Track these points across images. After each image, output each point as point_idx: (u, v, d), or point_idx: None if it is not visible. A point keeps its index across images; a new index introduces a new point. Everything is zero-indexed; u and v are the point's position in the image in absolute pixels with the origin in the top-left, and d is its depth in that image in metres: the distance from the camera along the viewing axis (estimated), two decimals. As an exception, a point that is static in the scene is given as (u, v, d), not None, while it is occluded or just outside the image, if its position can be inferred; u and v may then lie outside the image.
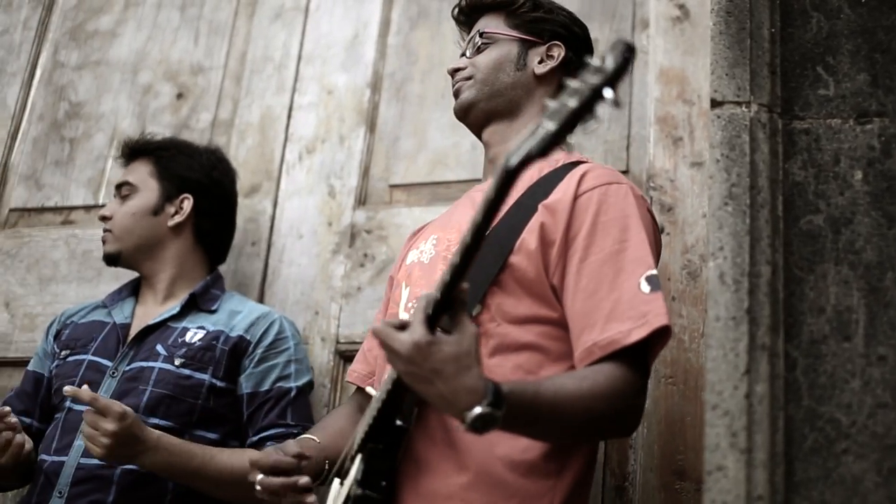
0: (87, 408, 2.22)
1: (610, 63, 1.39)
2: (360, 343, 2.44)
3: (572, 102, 1.41)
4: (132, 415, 2.22)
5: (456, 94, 2.20)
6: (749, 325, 1.75)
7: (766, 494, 1.67)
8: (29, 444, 2.40)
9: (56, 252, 3.07)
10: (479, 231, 1.56)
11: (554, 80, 2.17)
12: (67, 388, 2.22)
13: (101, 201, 3.09)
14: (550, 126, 1.42)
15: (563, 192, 1.94)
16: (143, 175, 2.68)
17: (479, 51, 2.18)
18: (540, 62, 2.17)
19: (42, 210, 3.18)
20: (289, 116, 3.00)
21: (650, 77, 2.65)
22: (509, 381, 1.67)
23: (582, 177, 1.97)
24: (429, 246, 2.12)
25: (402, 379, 1.67)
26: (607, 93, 1.39)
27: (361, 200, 2.83)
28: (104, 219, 2.67)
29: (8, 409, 2.33)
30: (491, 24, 2.21)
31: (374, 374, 2.20)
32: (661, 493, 2.27)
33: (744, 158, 1.87)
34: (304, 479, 1.85)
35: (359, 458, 1.84)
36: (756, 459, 1.69)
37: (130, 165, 2.73)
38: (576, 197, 1.93)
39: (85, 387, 2.23)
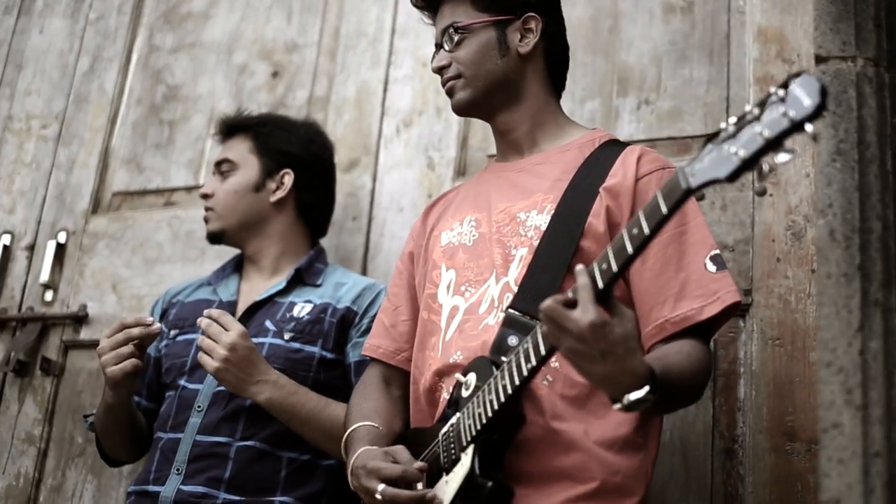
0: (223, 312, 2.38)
1: (809, 101, 1.41)
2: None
3: (766, 132, 1.44)
4: (250, 341, 2.36)
5: (449, 93, 2.25)
6: (861, 281, 1.80)
7: (883, 451, 1.71)
8: (138, 363, 2.44)
9: (159, 233, 3.21)
10: (643, 243, 1.64)
11: (540, 54, 2.24)
12: (203, 317, 2.37)
13: (201, 182, 3.22)
14: (742, 153, 1.46)
15: (622, 175, 2.05)
16: (242, 151, 2.76)
17: (457, 45, 2.21)
18: (521, 39, 2.21)
19: (144, 193, 3.33)
20: (385, 90, 3.09)
21: (748, 37, 2.68)
22: (650, 363, 1.75)
23: (639, 160, 2.08)
24: (467, 227, 2.20)
25: (565, 356, 1.73)
26: (808, 127, 1.41)
27: (461, 171, 2.91)
28: (205, 196, 2.76)
29: (150, 318, 2.43)
30: (459, 11, 2.23)
31: (401, 352, 2.29)
32: (771, 455, 2.32)
33: (851, 114, 1.91)
34: (431, 493, 1.92)
35: (472, 448, 1.90)
36: (872, 416, 1.73)
37: (229, 142, 2.81)
38: (636, 180, 2.04)
39: (211, 311, 2.38)
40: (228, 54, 3.38)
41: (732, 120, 1.49)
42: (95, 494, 3.02)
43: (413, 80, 3.06)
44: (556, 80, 2.30)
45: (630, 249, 1.64)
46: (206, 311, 2.39)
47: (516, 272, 2.05)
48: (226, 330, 2.36)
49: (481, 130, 2.92)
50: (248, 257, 2.77)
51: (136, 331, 2.42)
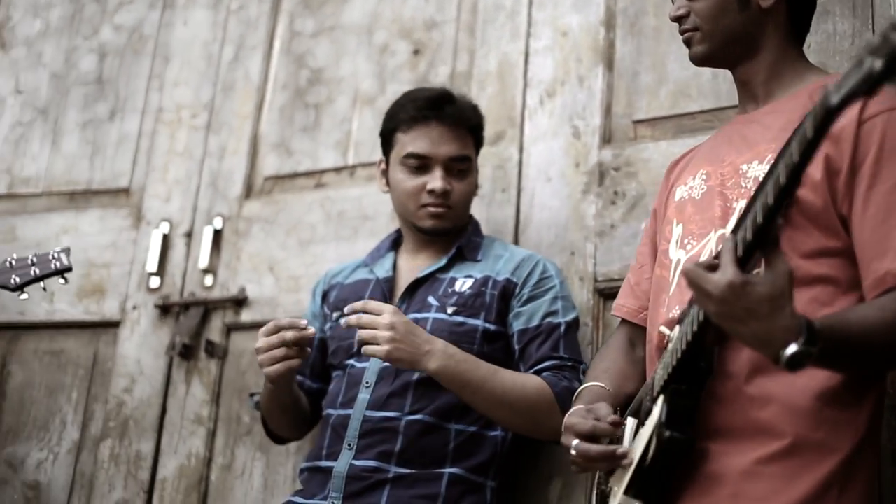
0: (367, 301, 2.53)
1: None
2: (619, 280, 2.64)
3: None
4: (405, 316, 2.49)
5: (687, 44, 2.26)
6: None
7: None
8: (293, 363, 2.59)
9: (312, 215, 3.42)
10: (795, 172, 1.63)
11: (783, 8, 2.21)
12: (343, 321, 2.53)
13: (349, 162, 3.43)
14: (877, 64, 1.42)
15: (845, 119, 1.94)
16: (472, 149, 2.85)
17: None
18: None
19: (294, 175, 3.54)
20: (526, 62, 3.23)
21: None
22: (819, 317, 1.76)
23: (865, 101, 1.98)
24: (698, 181, 2.23)
25: (713, 319, 1.77)
26: None
27: (606, 139, 3.02)
28: (444, 194, 2.78)
29: (306, 322, 2.60)
30: None
31: (644, 310, 2.35)
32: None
33: None
34: (622, 449, 1.99)
35: (661, 399, 1.96)
36: None
37: (455, 134, 2.81)
38: (860, 123, 1.97)
39: (354, 304, 2.52)
40: (369, 35, 3.57)
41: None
42: (265, 471, 3.24)
43: (553, 51, 3.19)
44: (798, 26, 2.28)
45: (784, 180, 1.64)
46: (346, 309, 2.53)
47: (734, 224, 2.02)
48: (376, 314, 2.48)
49: (625, 97, 3.04)
50: (422, 240, 2.87)
51: (289, 334, 2.56)
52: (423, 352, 2.48)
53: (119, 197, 3.80)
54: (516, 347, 2.68)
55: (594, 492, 2.23)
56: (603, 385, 2.27)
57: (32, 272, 3.10)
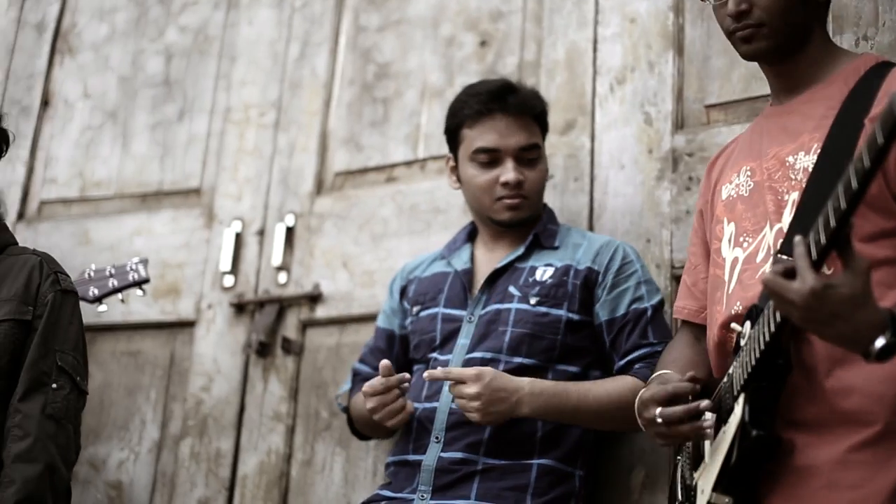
0: (448, 369, 2.63)
1: None
2: (698, 267, 2.71)
3: None
4: (489, 372, 2.58)
5: (747, 40, 2.26)
6: None
7: None
8: (410, 407, 2.75)
9: (384, 209, 3.51)
10: (867, 177, 1.66)
11: None
12: (426, 375, 2.63)
13: (419, 155, 3.51)
14: None
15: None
16: (539, 137, 2.90)
17: None
18: None
19: (365, 170, 3.63)
20: (594, 50, 3.28)
21: (972, -39, 2.75)
22: None
23: None
24: (743, 178, 2.29)
25: (796, 323, 1.83)
26: None
27: (679, 124, 3.07)
28: (518, 185, 2.84)
29: (407, 375, 2.70)
30: None
31: (704, 309, 2.41)
32: None
33: None
34: (704, 403, 2.08)
35: (742, 398, 2.02)
36: None
37: (521, 124, 2.86)
38: None
39: (433, 371, 2.63)
40: (434, 28, 3.64)
41: None
42: (345, 466, 3.33)
43: (622, 37, 3.24)
44: (827, 9, 2.34)
45: (855, 185, 1.67)
46: (425, 376, 2.65)
47: (789, 217, 2.12)
48: (462, 381, 2.59)
49: (696, 81, 3.09)
50: (496, 231, 2.93)
51: (394, 379, 2.68)
52: (513, 404, 2.59)
53: (190, 197, 3.91)
54: (606, 339, 2.74)
55: (679, 485, 2.30)
56: (672, 372, 2.34)
57: (110, 284, 3.21)
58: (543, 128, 2.95)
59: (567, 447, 2.71)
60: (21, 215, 4.11)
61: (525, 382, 2.62)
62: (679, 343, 2.49)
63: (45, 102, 4.31)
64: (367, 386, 2.72)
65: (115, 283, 3.24)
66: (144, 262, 3.26)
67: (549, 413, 2.63)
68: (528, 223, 2.91)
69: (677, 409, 2.12)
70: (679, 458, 2.33)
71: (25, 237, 3.90)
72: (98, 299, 3.21)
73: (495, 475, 2.66)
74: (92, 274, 3.24)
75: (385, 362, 2.69)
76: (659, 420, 2.14)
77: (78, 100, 4.26)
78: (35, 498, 2.41)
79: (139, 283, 3.25)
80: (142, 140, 4.08)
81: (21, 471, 2.40)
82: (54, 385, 2.53)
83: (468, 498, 2.64)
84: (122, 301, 3.29)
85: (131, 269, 3.25)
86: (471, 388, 2.57)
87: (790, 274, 1.79)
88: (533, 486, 2.65)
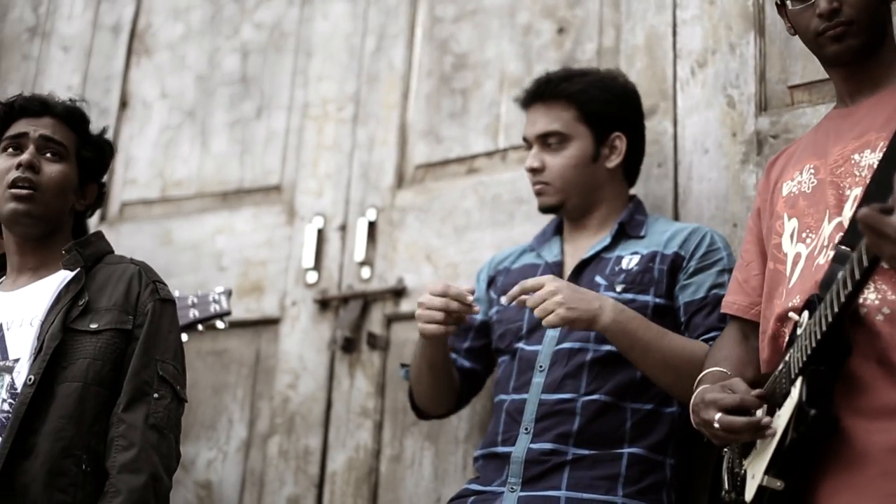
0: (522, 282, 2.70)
1: None
2: (786, 252, 2.76)
3: None
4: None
5: (838, 38, 2.32)
6: None
7: None
8: (451, 329, 2.84)
9: (466, 201, 3.58)
10: None
11: None
12: (504, 299, 2.71)
13: (500, 146, 3.58)
14: None
15: None
16: (569, 121, 2.97)
17: None
18: None
19: (446, 162, 3.71)
20: (674, 33, 3.32)
21: None
22: None
23: None
24: (806, 176, 2.36)
25: (887, 262, 1.85)
26: None
27: (762, 106, 3.10)
28: (535, 171, 2.98)
29: (472, 299, 2.81)
30: None
31: (755, 305, 2.48)
32: None
33: None
34: (766, 419, 2.12)
35: (800, 380, 2.07)
36: None
37: (547, 111, 2.99)
38: None
39: (511, 292, 2.70)
40: (511, 16, 3.71)
41: None
42: (434, 461, 3.42)
43: (702, 20, 3.28)
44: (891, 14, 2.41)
45: None
46: (503, 300, 2.75)
47: (850, 212, 2.18)
48: (538, 288, 2.66)
49: (779, 62, 3.12)
50: (575, 220, 3.02)
51: (454, 304, 2.79)
52: (595, 307, 2.65)
53: (271, 194, 4.02)
54: (682, 319, 2.80)
55: (725, 475, 2.34)
56: (724, 370, 2.41)
57: (191, 314, 3.32)
58: (591, 112, 2.98)
59: (657, 436, 2.76)
60: (103, 217, 4.23)
61: (609, 298, 2.70)
62: (728, 340, 2.54)
63: (124, 104, 4.44)
64: (428, 286, 2.84)
65: (196, 313, 3.34)
66: (228, 293, 3.36)
67: (627, 333, 2.66)
68: (568, 211, 3.01)
69: (738, 420, 2.16)
70: (726, 450, 2.38)
71: (108, 239, 4.01)
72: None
73: (585, 465, 2.72)
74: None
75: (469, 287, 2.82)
76: (717, 426, 2.19)
77: (156, 100, 4.39)
78: None
79: (220, 316, 3.36)
80: (221, 138, 4.19)
81: (126, 481, 2.48)
82: (156, 395, 2.61)
83: (558, 489, 2.70)
84: (201, 332, 3.40)
85: (213, 301, 3.36)
86: (548, 287, 2.64)
87: (888, 211, 1.80)
88: (624, 476, 2.71)
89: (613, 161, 2.99)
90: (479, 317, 3.09)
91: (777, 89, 3.12)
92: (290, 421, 3.69)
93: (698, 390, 2.33)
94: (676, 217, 3.15)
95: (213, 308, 3.35)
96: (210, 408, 3.85)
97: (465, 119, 3.71)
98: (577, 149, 2.97)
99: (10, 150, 2.76)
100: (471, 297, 2.80)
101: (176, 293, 3.29)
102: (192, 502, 3.77)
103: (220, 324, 3.39)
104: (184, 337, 3.23)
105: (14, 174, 2.71)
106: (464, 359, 3.11)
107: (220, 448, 3.81)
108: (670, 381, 2.70)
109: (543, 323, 2.66)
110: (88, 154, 2.86)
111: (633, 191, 3.12)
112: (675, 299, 2.82)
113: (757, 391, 2.20)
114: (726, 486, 2.33)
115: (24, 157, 2.72)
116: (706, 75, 3.23)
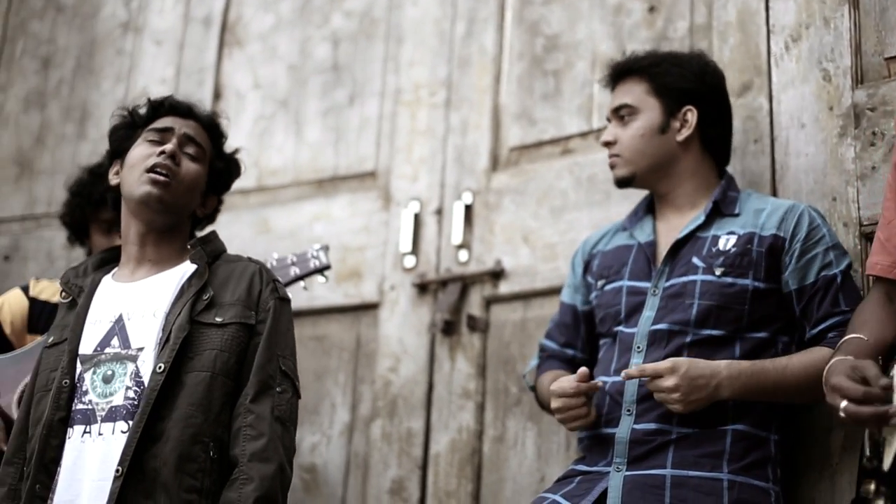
0: (643, 366, 2.76)
1: None
2: (886, 223, 2.79)
3: None
4: (683, 362, 2.70)
5: None
6: None
7: None
8: (593, 415, 2.90)
9: (561, 182, 3.67)
10: None
11: None
12: (623, 375, 2.78)
13: (594, 126, 3.65)
14: None
15: None
16: (639, 95, 3.07)
17: None
18: None
19: (540, 144, 3.79)
20: (767, 9, 3.35)
21: None
22: None
23: None
24: None
25: None
26: None
27: (858, 79, 3.13)
28: (608, 144, 3.10)
29: (600, 383, 2.88)
30: None
31: None
32: None
33: None
34: (894, 408, 2.11)
35: None
36: None
37: (622, 87, 3.12)
38: None
39: (627, 371, 2.77)
40: (601, -4, 3.78)
41: None
42: (537, 441, 3.50)
43: (795, -6, 3.31)
44: None
45: None
46: (623, 375, 2.79)
47: None
48: (659, 375, 2.72)
49: (874, 34, 3.13)
50: (661, 197, 3.08)
51: (583, 386, 2.86)
52: (712, 389, 2.72)
53: (366, 180, 4.14)
54: (797, 308, 2.84)
55: (867, 442, 2.35)
56: (863, 336, 2.44)
57: (292, 272, 3.48)
58: (661, 85, 3.06)
59: (760, 411, 2.81)
60: (201, 208, 4.37)
61: (722, 366, 2.73)
62: (870, 303, 2.58)
63: (217, 95, 4.58)
64: (555, 385, 2.89)
65: (297, 270, 3.50)
66: (325, 248, 3.50)
67: (749, 393, 2.74)
68: (641, 183, 3.10)
69: (863, 410, 2.18)
70: None
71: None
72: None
73: (690, 443, 2.78)
74: (274, 263, 3.50)
75: (583, 370, 2.85)
76: (842, 414, 2.22)
77: (249, 91, 4.52)
78: (271, 496, 2.60)
79: (321, 270, 3.50)
80: (314, 126, 4.32)
81: (258, 469, 2.60)
82: (279, 388, 2.74)
83: (664, 467, 2.76)
84: (305, 289, 3.54)
85: (312, 257, 3.50)
86: (668, 381, 2.70)
87: None
88: (728, 453, 2.77)
89: (683, 134, 3.04)
90: (578, 305, 3.18)
91: (873, 62, 3.14)
92: (392, 404, 3.80)
93: (831, 363, 2.37)
94: (774, 193, 3.18)
95: (313, 263, 3.50)
96: (313, 393, 3.97)
97: (558, 100, 3.79)
98: (644, 120, 3.05)
99: (153, 140, 2.92)
100: (599, 383, 2.88)
101: (274, 255, 3.46)
102: (297, 486, 3.87)
103: (321, 278, 3.54)
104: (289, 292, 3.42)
105: (155, 160, 2.86)
106: (581, 352, 3.19)
107: (324, 432, 3.93)
108: (804, 399, 2.80)
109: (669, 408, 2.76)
110: (220, 166, 3.05)
111: (730, 169, 3.16)
112: (784, 284, 2.85)
113: (885, 381, 2.19)
114: (867, 453, 2.34)
115: (169, 146, 2.89)
116: (801, 50, 3.26)
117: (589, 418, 2.88)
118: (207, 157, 2.99)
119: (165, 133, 2.93)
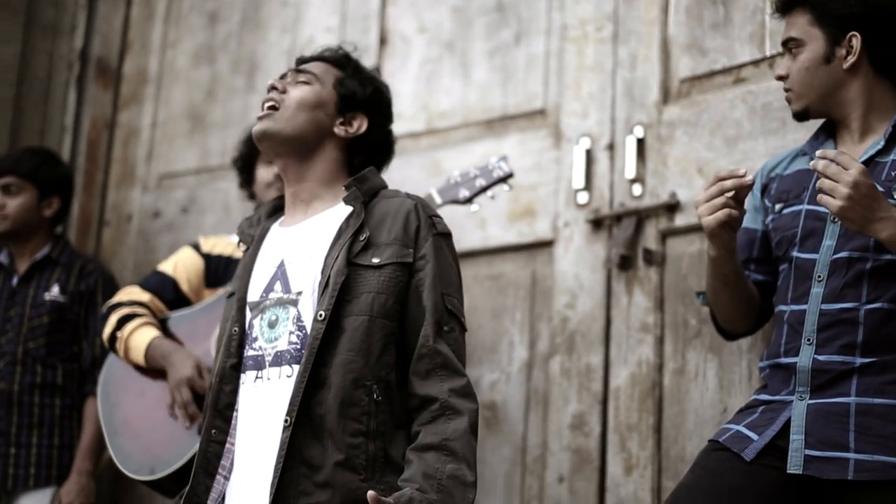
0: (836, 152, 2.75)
1: None
2: None
3: None
4: (872, 180, 2.69)
5: None
6: None
7: None
8: (734, 213, 2.89)
9: (735, 111, 3.69)
10: None
11: None
12: (811, 164, 2.76)
13: (767, 53, 3.65)
14: None
15: None
16: (804, 26, 3.06)
17: None
18: None
19: (711, 74, 3.80)
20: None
21: None
22: None
23: None
24: None
25: None
26: None
27: None
28: (781, 78, 3.11)
29: (745, 170, 2.88)
30: None
31: None
32: None
33: None
34: (742, 171, 2.27)
35: None
36: None
37: (789, 19, 3.11)
38: None
39: (821, 150, 2.76)
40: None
41: None
42: (718, 372, 3.56)
43: None
44: None
45: None
46: (819, 153, 2.75)
47: None
48: (845, 168, 2.68)
49: None
50: (839, 123, 3.07)
51: (728, 182, 2.87)
52: (877, 217, 2.68)
53: (535, 119, 4.21)
54: None
55: None
56: None
57: (478, 183, 3.66)
58: (823, 13, 3.04)
59: None
60: (373, 152, 4.50)
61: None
62: None
63: (383, 41, 4.69)
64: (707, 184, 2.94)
65: (483, 182, 3.68)
66: (504, 158, 3.67)
67: None
68: (817, 114, 3.09)
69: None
70: None
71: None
72: (469, 199, 3.65)
73: (874, 370, 2.78)
74: (458, 178, 3.66)
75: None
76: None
77: (414, 35, 4.62)
78: (475, 429, 2.73)
79: (504, 179, 3.66)
80: (481, 67, 4.39)
81: (464, 405, 2.72)
82: (446, 328, 2.81)
83: (848, 395, 2.78)
84: (492, 198, 3.72)
85: (494, 167, 3.68)
86: (850, 175, 2.66)
87: None
88: None
89: (849, 61, 3.01)
90: (758, 227, 3.20)
91: None
92: (570, 340, 3.89)
93: None
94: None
95: (497, 173, 3.70)
96: (490, 331, 4.08)
97: (729, 29, 3.79)
98: (810, 51, 3.05)
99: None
100: (742, 170, 2.88)
101: (456, 173, 3.59)
102: (479, 423, 3.99)
103: (505, 186, 3.71)
104: (475, 206, 3.69)
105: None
106: (754, 272, 3.20)
107: (503, 370, 4.04)
108: None
109: (819, 198, 2.72)
110: (350, 84, 3.08)
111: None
112: None
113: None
114: None
115: (271, 81, 3.02)
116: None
117: (729, 213, 2.87)
118: (326, 79, 3.05)
119: (283, 78, 3.06)
